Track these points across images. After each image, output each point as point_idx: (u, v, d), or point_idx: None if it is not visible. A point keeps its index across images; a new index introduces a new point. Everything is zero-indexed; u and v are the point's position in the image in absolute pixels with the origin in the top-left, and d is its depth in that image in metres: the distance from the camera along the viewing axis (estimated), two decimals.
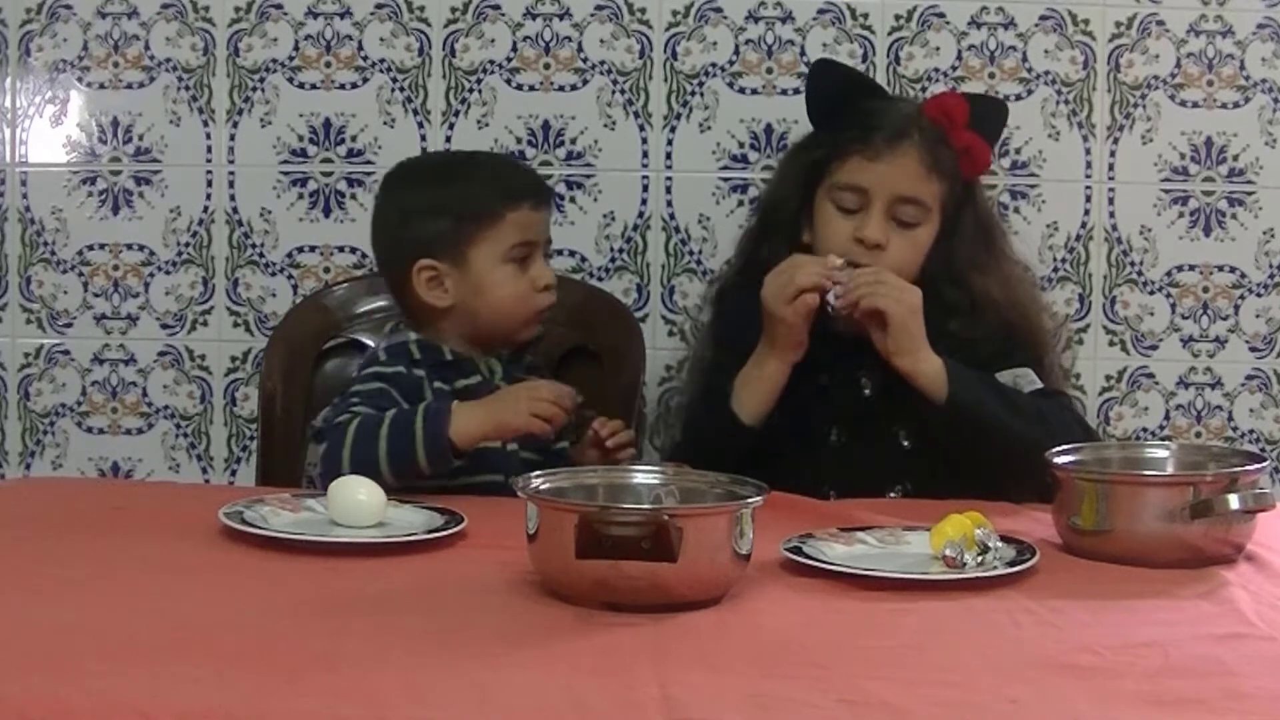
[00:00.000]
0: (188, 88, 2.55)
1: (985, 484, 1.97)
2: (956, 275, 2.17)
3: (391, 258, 2.19)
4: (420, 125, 2.55)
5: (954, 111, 2.17)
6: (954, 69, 2.53)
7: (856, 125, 2.16)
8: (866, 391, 2.10)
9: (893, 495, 2.10)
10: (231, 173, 2.56)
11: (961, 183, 2.18)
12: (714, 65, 2.54)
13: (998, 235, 2.27)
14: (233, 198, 2.56)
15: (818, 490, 2.01)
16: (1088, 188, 2.56)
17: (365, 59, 2.55)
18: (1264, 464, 1.75)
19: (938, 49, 2.54)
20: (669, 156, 2.55)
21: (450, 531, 1.75)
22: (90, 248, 2.58)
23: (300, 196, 2.56)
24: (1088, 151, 2.55)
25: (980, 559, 1.64)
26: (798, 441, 2.09)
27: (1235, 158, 2.55)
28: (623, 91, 2.54)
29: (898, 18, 2.54)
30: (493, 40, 2.54)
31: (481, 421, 1.98)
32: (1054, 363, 2.27)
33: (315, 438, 2.14)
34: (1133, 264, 2.57)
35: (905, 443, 2.13)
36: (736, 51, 2.54)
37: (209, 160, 2.56)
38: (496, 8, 2.54)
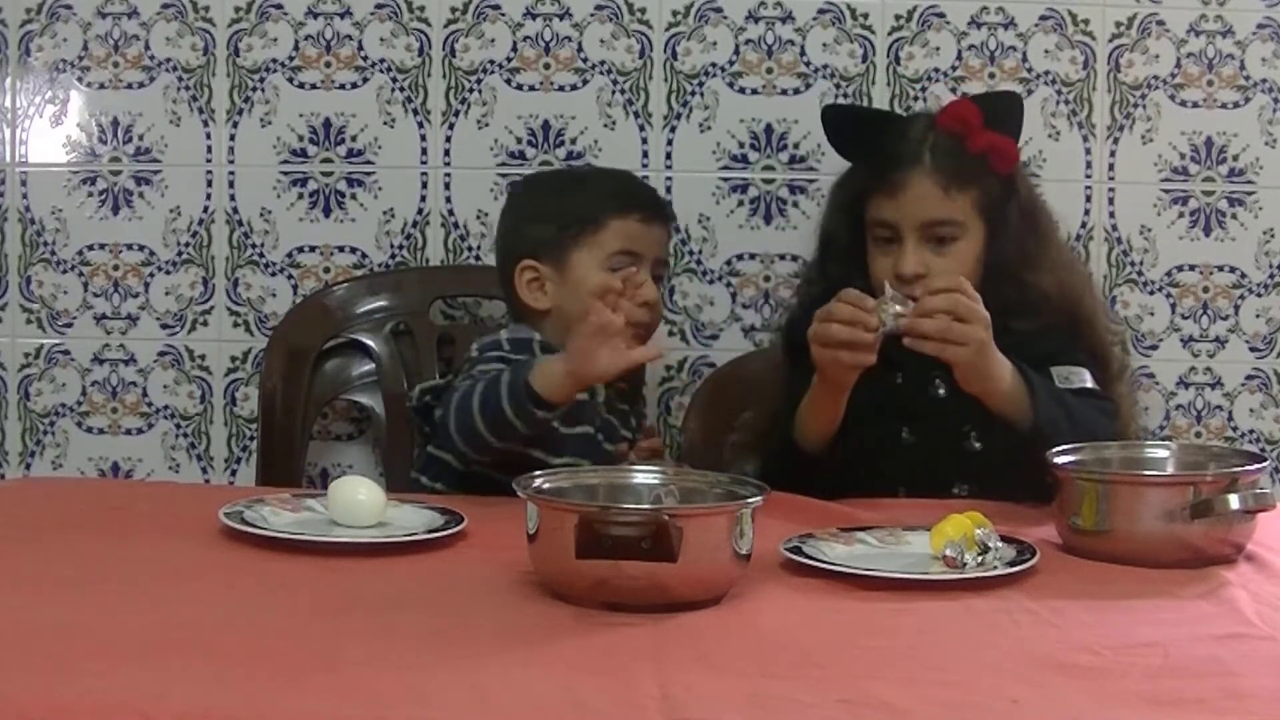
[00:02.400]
0: (188, 88, 2.55)
1: (1049, 491, 1.93)
2: (1010, 275, 2.15)
3: (502, 257, 2.26)
4: (420, 125, 2.55)
5: (967, 117, 2.15)
6: (954, 69, 2.53)
7: (872, 162, 2.17)
8: (940, 392, 2.10)
9: (956, 494, 2.08)
10: (231, 173, 2.56)
11: (999, 181, 2.16)
12: (714, 65, 2.54)
13: (1044, 221, 2.24)
14: (233, 198, 2.56)
15: (889, 488, 2.04)
16: (1088, 188, 2.55)
17: (365, 59, 2.55)
18: (1264, 464, 1.75)
19: (938, 49, 2.54)
20: (669, 156, 2.54)
21: (450, 531, 1.75)
22: (90, 248, 2.57)
23: (300, 196, 2.56)
24: (1088, 151, 2.55)
25: (980, 559, 1.64)
26: (869, 439, 2.09)
27: (1235, 158, 2.55)
28: (623, 91, 2.54)
29: (898, 18, 2.53)
30: (493, 40, 2.54)
31: (560, 369, 1.92)
32: (1115, 355, 2.25)
33: (427, 415, 2.12)
34: (1133, 264, 2.56)
35: (976, 444, 2.12)
36: (736, 51, 2.54)
37: (209, 160, 2.56)
38: (496, 8, 2.54)
